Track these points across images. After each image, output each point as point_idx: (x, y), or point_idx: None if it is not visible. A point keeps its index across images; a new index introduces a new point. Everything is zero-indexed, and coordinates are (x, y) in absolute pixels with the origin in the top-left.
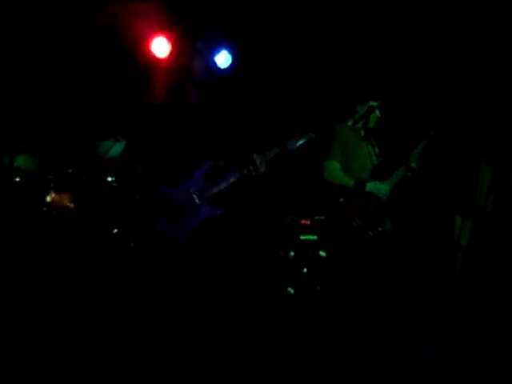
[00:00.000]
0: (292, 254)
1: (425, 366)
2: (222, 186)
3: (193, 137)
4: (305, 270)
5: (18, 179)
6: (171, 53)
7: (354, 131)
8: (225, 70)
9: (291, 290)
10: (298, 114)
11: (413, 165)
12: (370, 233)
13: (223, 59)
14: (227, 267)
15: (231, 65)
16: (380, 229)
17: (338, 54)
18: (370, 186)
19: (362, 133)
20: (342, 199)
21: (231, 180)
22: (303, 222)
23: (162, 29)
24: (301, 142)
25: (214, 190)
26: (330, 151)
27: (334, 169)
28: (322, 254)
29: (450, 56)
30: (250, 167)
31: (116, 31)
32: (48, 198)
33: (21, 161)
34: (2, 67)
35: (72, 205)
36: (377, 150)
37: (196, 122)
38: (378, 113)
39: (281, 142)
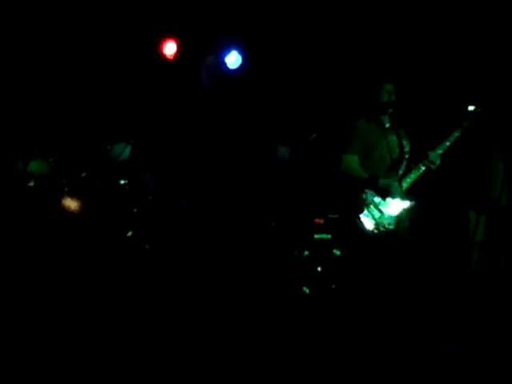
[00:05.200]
0: (306, 253)
1: (443, 363)
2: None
3: (200, 139)
4: (319, 268)
5: (32, 184)
6: (181, 56)
7: (376, 122)
8: (235, 70)
9: (306, 290)
10: (312, 112)
11: (437, 161)
12: (379, 229)
13: (233, 59)
14: (242, 267)
15: (242, 65)
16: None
17: (356, 48)
18: (383, 183)
19: (387, 124)
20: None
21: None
22: (317, 220)
23: (173, 32)
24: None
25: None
26: (349, 144)
27: (351, 161)
28: (337, 252)
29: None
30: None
31: (128, 35)
32: (62, 202)
33: (34, 166)
34: (16, 73)
35: (86, 208)
36: (404, 142)
37: (202, 125)
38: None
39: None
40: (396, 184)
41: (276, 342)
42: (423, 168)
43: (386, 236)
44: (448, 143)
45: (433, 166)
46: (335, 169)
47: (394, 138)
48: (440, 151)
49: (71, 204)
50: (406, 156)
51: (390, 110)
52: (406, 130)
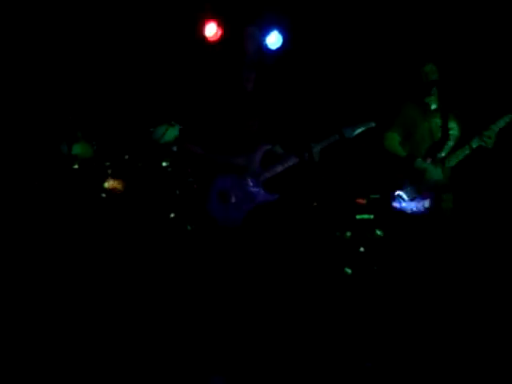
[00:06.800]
0: (348, 233)
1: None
2: (278, 170)
3: (249, 120)
4: (362, 249)
5: (76, 167)
6: (223, 37)
7: (420, 104)
8: (276, 50)
9: (349, 270)
10: (357, 93)
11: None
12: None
13: (274, 40)
14: (284, 249)
15: (282, 45)
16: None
17: (402, 29)
18: (419, 164)
19: (434, 105)
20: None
21: (287, 165)
22: (359, 201)
23: (213, 14)
24: (359, 131)
25: (269, 175)
26: (392, 124)
27: (393, 139)
28: (379, 233)
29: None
30: (306, 155)
31: (168, 17)
32: (106, 185)
33: (78, 149)
34: (59, 56)
35: (129, 190)
36: (452, 124)
37: (252, 105)
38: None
39: (339, 130)
40: (432, 167)
41: (318, 322)
42: (474, 146)
43: (428, 216)
44: (501, 124)
45: (488, 144)
46: (377, 148)
47: (437, 120)
48: (495, 130)
49: (115, 186)
50: (452, 138)
51: (435, 90)
52: (458, 110)
